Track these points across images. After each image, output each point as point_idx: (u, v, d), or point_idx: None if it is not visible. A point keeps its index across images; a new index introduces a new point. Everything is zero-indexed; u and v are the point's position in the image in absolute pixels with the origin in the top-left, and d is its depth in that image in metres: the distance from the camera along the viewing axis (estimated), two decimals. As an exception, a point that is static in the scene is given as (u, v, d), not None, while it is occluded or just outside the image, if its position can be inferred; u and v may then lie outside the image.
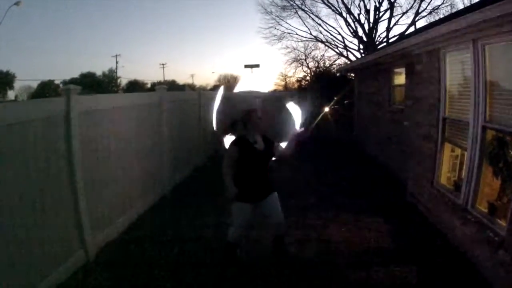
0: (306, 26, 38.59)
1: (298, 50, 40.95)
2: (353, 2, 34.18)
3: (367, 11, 33.57)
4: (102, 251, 5.60)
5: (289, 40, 42.98)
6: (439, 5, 31.53)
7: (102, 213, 5.79)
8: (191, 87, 63.72)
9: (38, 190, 4.41)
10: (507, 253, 4.32)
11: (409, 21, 33.44)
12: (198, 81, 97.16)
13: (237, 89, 5.93)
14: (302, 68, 43.18)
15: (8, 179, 3.99)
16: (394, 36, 31.52)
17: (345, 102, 24.34)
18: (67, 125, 4.96)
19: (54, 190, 4.72)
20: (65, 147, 4.95)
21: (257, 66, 40.68)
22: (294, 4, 35.55)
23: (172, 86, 67.72)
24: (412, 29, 29.39)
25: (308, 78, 40.76)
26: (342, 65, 32.04)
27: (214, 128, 5.98)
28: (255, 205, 5.00)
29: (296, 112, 5.50)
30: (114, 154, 6.20)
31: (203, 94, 12.57)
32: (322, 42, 37.04)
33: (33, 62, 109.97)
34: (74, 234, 5.11)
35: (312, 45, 39.92)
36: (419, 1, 31.98)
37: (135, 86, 74.29)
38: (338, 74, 29.33)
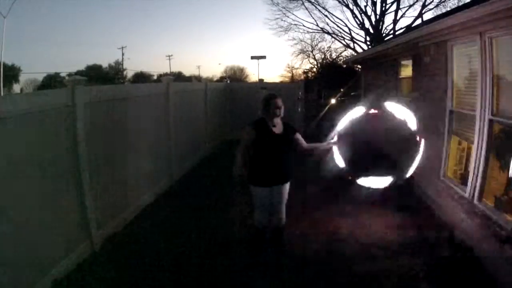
0: (313, 18, 38.45)
1: (304, 41, 40.89)
2: (360, -7, 34.00)
3: (374, 3, 33.39)
4: (107, 243, 5.63)
5: (295, 31, 42.80)
6: (446, -3, 31.26)
7: (108, 204, 5.81)
8: (198, 78, 63.81)
9: (44, 182, 4.44)
10: (513, 247, 4.31)
11: (416, 13, 33.33)
12: (205, 73, 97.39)
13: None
14: (309, 60, 43.18)
15: (16, 171, 4.01)
16: (401, 29, 31.35)
17: (352, 94, 24.32)
18: (72, 115, 4.96)
19: (59, 182, 4.75)
20: (71, 137, 4.97)
21: (264, 57, 40.66)
22: (301, -5, 35.40)
23: (178, 77, 67.78)
24: (419, 21, 29.20)
25: (314, 69, 40.77)
26: (349, 57, 31.92)
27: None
28: (271, 188, 5.05)
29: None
30: (119, 145, 6.23)
31: (209, 85, 12.60)
32: (328, 33, 36.91)
33: (38, 55, 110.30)
34: (80, 226, 5.14)
35: (319, 36, 39.85)
36: (426, -7, 31.76)
37: (141, 78, 74.36)
38: (345, 66, 29.25)
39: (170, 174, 8.54)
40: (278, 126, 5.01)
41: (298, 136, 5.17)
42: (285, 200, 5.26)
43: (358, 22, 34.62)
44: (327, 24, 36.67)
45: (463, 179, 6.04)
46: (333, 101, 21.68)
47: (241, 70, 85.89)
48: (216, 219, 6.61)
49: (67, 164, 4.90)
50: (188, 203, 7.44)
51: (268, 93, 5.26)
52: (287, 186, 5.23)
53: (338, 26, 36.00)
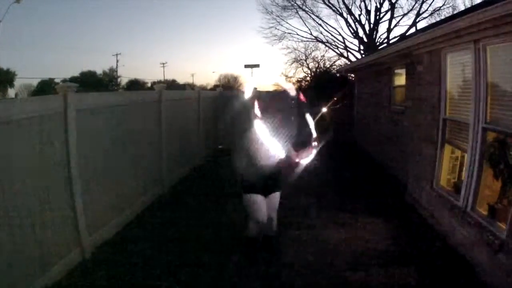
0: (307, 27, 38.48)
1: (298, 50, 40.92)
2: (354, 2, 34.05)
3: (368, 12, 33.50)
4: (98, 250, 5.56)
5: (289, 40, 42.84)
6: (440, 7, 31.40)
7: (99, 211, 5.74)
8: (191, 86, 63.84)
9: (34, 189, 4.38)
10: (507, 256, 4.28)
11: (410, 22, 33.36)
12: (199, 81, 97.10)
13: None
14: (303, 69, 43.19)
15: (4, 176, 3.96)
16: (395, 37, 31.43)
17: (343, 103, 24.35)
18: (64, 122, 4.91)
19: (50, 189, 4.69)
20: (61, 144, 4.91)
21: (257, 66, 40.62)
22: (295, 4, 35.41)
23: (172, 85, 67.77)
24: (413, 30, 29.35)
25: (308, 78, 40.80)
26: (343, 65, 31.96)
27: None
28: (265, 197, 5.08)
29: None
30: (111, 152, 6.16)
31: (202, 93, 12.57)
32: (322, 42, 36.98)
33: (33, 60, 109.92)
34: (70, 233, 5.07)
35: (313, 45, 39.93)
36: (420, 2, 31.93)
37: (135, 85, 74.21)
38: (338, 75, 29.31)
39: (162, 182, 8.47)
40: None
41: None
42: (276, 208, 5.28)
43: (352, 31, 34.73)
44: (321, 33, 36.76)
45: (457, 188, 6.03)
46: (324, 109, 21.68)
47: (235, 78, 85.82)
48: (208, 227, 6.54)
49: (58, 170, 4.85)
50: (179, 211, 7.38)
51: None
52: (278, 194, 5.25)
53: (332, 35, 36.08)
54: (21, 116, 4.21)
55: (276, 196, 5.22)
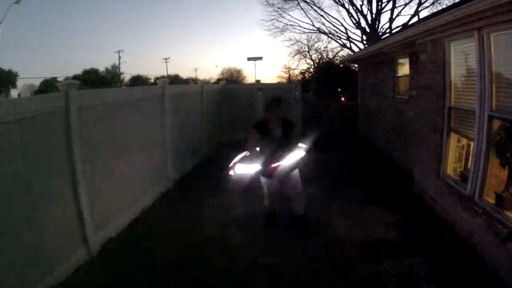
0: (309, 18, 38.41)
1: (301, 42, 40.84)
2: (356, -8, 33.97)
3: (370, 2, 33.34)
4: (104, 248, 5.56)
5: (291, 32, 42.76)
6: (442, -4, 31.21)
7: (104, 209, 5.73)
8: (195, 81, 63.83)
9: (38, 186, 4.37)
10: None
11: (412, 11, 33.18)
12: (202, 75, 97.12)
13: None
14: (306, 60, 43.11)
15: (9, 174, 3.95)
16: (397, 27, 31.25)
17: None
18: (66, 119, 4.90)
19: (55, 186, 4.68)
20: (65, 142, 4.90)
21: (260, 58, 40.57)
22: (296, -5, 35.32)
23: (175, 80, 67.76)
24: (415, 19, 29.17)
25: (311, 70, 40.72)
26: (346, 56, 31.83)
27: None
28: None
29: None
30: (115, 148, 6.15)
31: (205, 87, 12.54)
32: (325, 33, 36.85)
33: (35, 60, 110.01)
34: (76, 231, 5.07)
35: (315, 37, 39.84)
36: (422, -9, 31.71)
37: (138, 81, 74.19)
38: (341, 66, 29.27)
39: (167, 177, 8.47)
40: (277, 128, 5.64)
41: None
42: (296, 189, 6.08)
43: (354, 22, 34.61)
44: (323, 24, 36.66)
45: (463, 177, 5.99)
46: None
47: (238, 71, 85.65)
48: (214, 222, 6.53)
49: (62, 168, 4.84)
50: (185, 206, 7.37)
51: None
52: (292, 176, 5.89)
53: (334, 26, 35.99)
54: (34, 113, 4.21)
55: (291, 177, 5.83)
